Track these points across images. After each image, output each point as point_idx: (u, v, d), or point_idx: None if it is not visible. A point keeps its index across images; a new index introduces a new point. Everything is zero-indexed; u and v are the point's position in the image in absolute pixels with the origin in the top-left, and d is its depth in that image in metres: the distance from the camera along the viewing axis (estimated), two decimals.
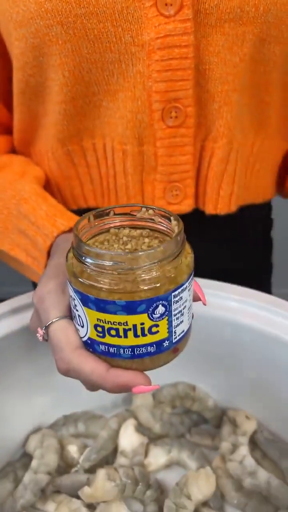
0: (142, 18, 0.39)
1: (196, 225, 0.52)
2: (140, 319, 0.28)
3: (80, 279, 0.29)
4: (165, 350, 0.31)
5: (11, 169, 0.48)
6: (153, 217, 0.33)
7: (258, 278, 0.64)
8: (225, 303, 0.49)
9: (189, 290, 0.31)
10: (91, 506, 0.43)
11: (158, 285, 0.28)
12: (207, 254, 0.55)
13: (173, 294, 0.29)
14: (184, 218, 0.49)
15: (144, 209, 0.33)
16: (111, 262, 0.28)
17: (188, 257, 0.31)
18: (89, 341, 0.31)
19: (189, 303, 0.31)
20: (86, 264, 0.29)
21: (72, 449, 0.48)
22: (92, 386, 0.32)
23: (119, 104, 0.44)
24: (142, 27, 0.40)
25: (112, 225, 0.33)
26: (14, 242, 0.45)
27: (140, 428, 0.49)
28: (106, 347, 0.30)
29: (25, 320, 0.46)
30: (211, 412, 0.50)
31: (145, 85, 0.42)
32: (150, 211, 0.33)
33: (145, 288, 0.28)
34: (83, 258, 0.29)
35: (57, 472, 0.46)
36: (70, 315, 0.33)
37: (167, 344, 0.30)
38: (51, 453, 0.46)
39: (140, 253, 0.28)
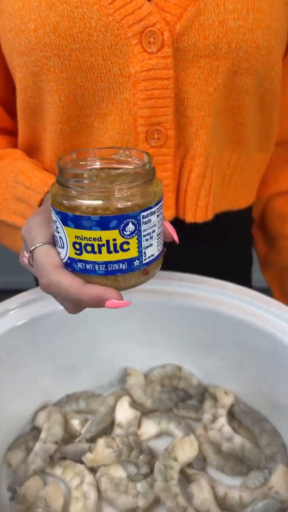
0: (128, 53, 0.46)
1: (177, 232, 0.59)
2: (112, 235, 0.33)
3: (62, 201, 0.33)
4: (136, 269, 0.35)
5: (12, 156, 0.54)
6: (129, 158, 0.37)
7: (239, 272, 0.71)
8: (207, 295, 0.56)
9: (157, 216, 0.35)
10: (92, 469, 0.51)
11: (128, 203, 0.32)
12: (189, 256, 0.62)
13: (142, 214, 0.33)
14: None
15: (121, 151, 0.38)
16: (89, 180, 0.33)
17: (158, 186, 0.35)
18: (69, 261, 0.35)
19: (158, 230, 0.35)
20: (67, 185, 0.33)
21: (75, 423, 0.55)
22: (70, 300, 0.36)
23: (108, 126, 0.50)
24: (129, 61, 0.46)
25: (93, 166, 0.37)
26: (11, 210, 0.50)
27: (134, 404, 0.56)
28: (83, 264, 0.34)
29: (32, 313, 0.53)
30: (195, 389, 0.57)
31: (131, 110, 0.48)
32: (127, 152, 0.37)
33: (118, 205, 0.32)
34: (64, 181, 0.33)
35: (63, 442, 0.53)
36: (53, 242, 0.37)
37: (138, 264, 0.34)
38: (57, 426, 0.53)
39: (114, 172, 0.33)
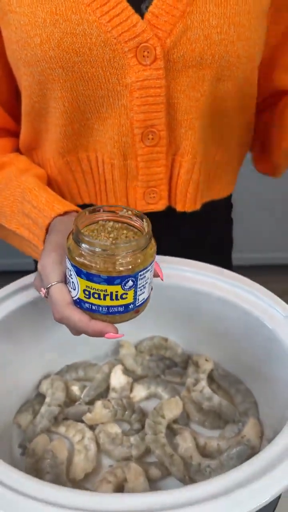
0: (125, 65, 0.52)
1: (170, 219, 0.66)
2: (115, 288, 0.42)
3: (77, 258, 0.42)
4: (130, 310, 0.44)
5: (16, 166, 0.60)
6: (130, 216, 0.46)
7: (221, 252, 0.79)
8: (191, 275, 0.63)
9: (150, 271, 0.44)
10: (92, 427, 0.59)
11: (130, 267, 0.41)
12: (179, 239, 0.70)
13: (139, 273, 0.42)
14: (160, 214, 0.63)
15: (124, 210, 0.46)
16: (100, 249, 0.41)
17: (152, 248, 0.44)
18: (78, 300, 0.44)
19: (149, 280, 0.45)
20: (82, 248, 0.41)
21: (75, 389, 0.63)
22: (77, 331, 0.45)
23: (108, 128, 0.56)
24: (125, 72, 0.52)
25: (101, 219, 0.46)
26: (19, 222, 0.57)
27: (126, 371, 0.64)
28: (90, 305, 0.43)
29: (34, 294, 0.59)
30: (180, 357, 0.65)
31: (128, 115, 0.55)
32: (129, 212, 0.46)
33: (121, 268, 0.41)
34: (80, 243, 0.41)
35: (65, 405, 0.61)
36: (65, 281, 0.45)
37: (132, 307, 0.44)
38: (59, 391, 0.61)
39: (120, 245, 0.42)
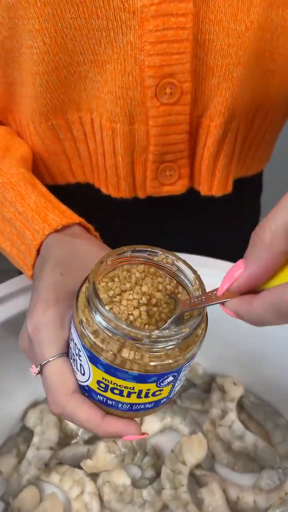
0: None
1: (191, 205, 0.51)
2: (147, 386, 0.28)
3: (91, 338, 0.27)
4: (161, 405, 0.31)
5: None
6: (170, 264, 0.31)
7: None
8: (212, 277, 0.49)
9: (196, 356, 0.30)
10: (93, 475, 0.46)
11: (173, 361, 0.27)
12: (201, 231, 0.55)
13: (184, 366, 0.28)
14: (178, 198, 0.48)
15: (162, 255, 0.30)
16: (128, 337, 0.26)
17: (202, 331, 0.29)
18: (87, 388, 0.29)
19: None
20: (99, 324, 0.26)
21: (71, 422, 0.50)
22: (84, 429, 0.31)
23: (107, 77, 0.40)
24: None
25: (126, 262, 0.30)
26: None
27: None
28: (105, 399, 0.29)
29: (20, 305, 0.45)
30: (201, 379, 0.53)
31: (136, 58, 0.38)
32: (169, 259, 0.30)
33: (159, 363, 0.27)
34: (97, 318, 0.26)
35: (58, 444, 0.48)
36: (66, 352, 0.31)
37: (165, 400, 0.30)
38: (51, 429, 0.48)
39: (158, 334, 0.26)
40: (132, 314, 0.28)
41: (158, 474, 0.46)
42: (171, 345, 0.26)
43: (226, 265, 0.49)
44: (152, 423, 0.50)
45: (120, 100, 0.41)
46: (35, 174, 0.50)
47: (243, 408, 0.51)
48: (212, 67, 0.40)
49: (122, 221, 0.52)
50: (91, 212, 0.53)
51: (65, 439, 0.50)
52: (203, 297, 0.27)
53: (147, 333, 0.26)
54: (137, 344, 0.26)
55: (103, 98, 0.41)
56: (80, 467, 0.46)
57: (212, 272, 0.49)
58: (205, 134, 0.44)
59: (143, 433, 0.31)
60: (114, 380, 0.27)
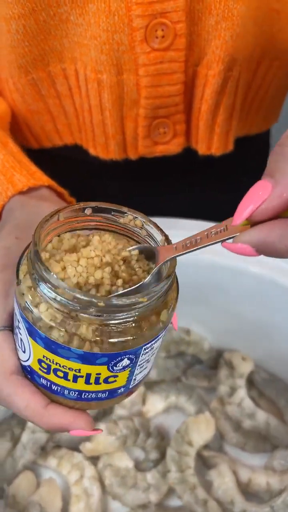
0: None
1: (188, 166, 0.46)
2: (97, 369, 0.23)
3: (30, 307, 0.23)
4: (118, 396, 0.26)
5: None
6: (139, 228, 0.26)
7: None
8: (216, 246, 0.46)
9: (163, 338, 0.25)
10: (93, 458, 0.43)
11: (128, 338, 0.23)
12: (200, 195, 0.51)
13: (144, 347, 0.24)
14: (174, 159, 0.44)
15: (129, 215, 0.26)
16: (74, 303, 0.21)
17: (172, 300, 0.24)
18: (29, 369, 0.26)
19: (158, 348, 0.26)
20: (40, 293, 0.22)
21: None
22: (24, 418, 0.27)
23: (90, 20, 0.36)
24: None
25: (81, 226, 0.26)
26: None
27: None
28: (49, 383, 0.25)
29: None
30: (207, 354, 0.49)
31: None
32: (138, 221, 0.26)
33: (112, 341, 0.22)
34: (38, 283, 0.22)
35: None
36: (11, 325, 0.27)
37: (122, 391, 0.26)
38: None
39: (114, 302, 0.21)
40: (93, 276, 0.23)
41: (163, 456, 0.43)
42: (124, 318, 0.22)
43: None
44: (155, 402, 0.47)
45: (105, 46, 0.36)
46: (19, 137, 0.46)
47: (253, 384, 0.48)
48: (209, 4, 0.35)
49: (116, 186, 0.48)
50: (82, 177, 0.48)
51: None
52: (198, 238, 0.22)
53: (94, 300, 0.21)
54: (81, 314, 0.22)
55: (87, 44, 0.37)
56: (78, 451, 0.43)
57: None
58: (203, 84, 0.39)
59: (96, 429, 0.27)
60: (56, 359, 0.23)
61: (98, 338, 0.22)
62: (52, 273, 0.22)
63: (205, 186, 0.51)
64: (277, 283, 0.44)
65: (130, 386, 0.26)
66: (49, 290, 0.22)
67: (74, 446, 0.44)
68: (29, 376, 0.26)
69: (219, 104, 0.40)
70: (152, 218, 0.26)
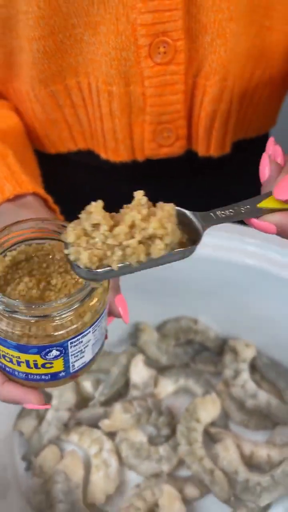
0: None
1: (189, 166, 0.51)
2: (32, 357, 0.29)
3: None
4: (61, 378, 0.31)
5: None
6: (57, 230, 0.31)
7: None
8: (222, 241, 0.50)
9: (94, 331, 0.30)
10: (110, 434, 0.48)
11: (52, 333, 0.28)
12: (202, 193, 0.55)
13: (70, 341, 0.28)
14: (177, 160, 0.49)
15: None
16: (2, 306, 0.27)
17: (97, 297, 0.29)
18: None
19: (94, 340, 0.30)
20: None
21: (87, 385, 0.52)
22: None
23: (101, 39, 0.41)
24: None
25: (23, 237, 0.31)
26: None
27: (148, 361, 0.53)
28: (3, 365, 0.30)
29: None
30: (213, 342, 0.54)
31: (128, 17, 0.39)
32: (55, 222, 0.31)
33: (40, 335, 0.28)
34: None
35: (76, 407, 0.50)
36: None
37: (64, 374, 0.30)
38: (68, 391, 0.49)
39: (37, 306, 0.27)
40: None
41: (173, 432, 0.48)
42: (47, 319, 0.27)
43: (237, 229, 0.50)
44: (166, 385, 0.52)
45: (114, 62, 0.41)
46: (37, 144, 0.51)
47: (255, 369, 0.52)
48: (205, 24, 0.40)
49: (125, 185, 0.53)
50: (94, 178, 0.53)
51: (82, 401, 0.51)
52: (231, 211, 0.28)
53: (19, 306, 0.27)
54: (12, 315, 0.27)
55: (99, 61, 0.42)
56: (97, 427, 0.48)
57: (219, 234, 0.50)
58: (201, 93, 0.44)
59: (46, 404, 0.32)
60: (2, 348, 0.29)
61: (26, 333, 0.28)
62: None
63: (206, 185, 0.55)
64: (277, 276, 0.48)
65: (71, 371, 0.31)
66: None
67: (94, 424, 0.48)
68: None
69: (216, 111, 0.45)
70: None
